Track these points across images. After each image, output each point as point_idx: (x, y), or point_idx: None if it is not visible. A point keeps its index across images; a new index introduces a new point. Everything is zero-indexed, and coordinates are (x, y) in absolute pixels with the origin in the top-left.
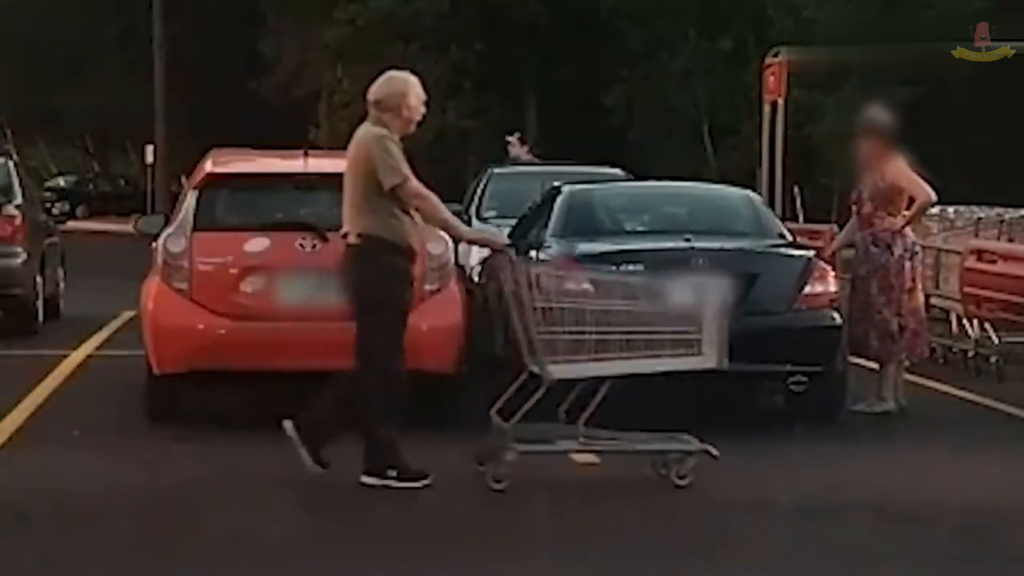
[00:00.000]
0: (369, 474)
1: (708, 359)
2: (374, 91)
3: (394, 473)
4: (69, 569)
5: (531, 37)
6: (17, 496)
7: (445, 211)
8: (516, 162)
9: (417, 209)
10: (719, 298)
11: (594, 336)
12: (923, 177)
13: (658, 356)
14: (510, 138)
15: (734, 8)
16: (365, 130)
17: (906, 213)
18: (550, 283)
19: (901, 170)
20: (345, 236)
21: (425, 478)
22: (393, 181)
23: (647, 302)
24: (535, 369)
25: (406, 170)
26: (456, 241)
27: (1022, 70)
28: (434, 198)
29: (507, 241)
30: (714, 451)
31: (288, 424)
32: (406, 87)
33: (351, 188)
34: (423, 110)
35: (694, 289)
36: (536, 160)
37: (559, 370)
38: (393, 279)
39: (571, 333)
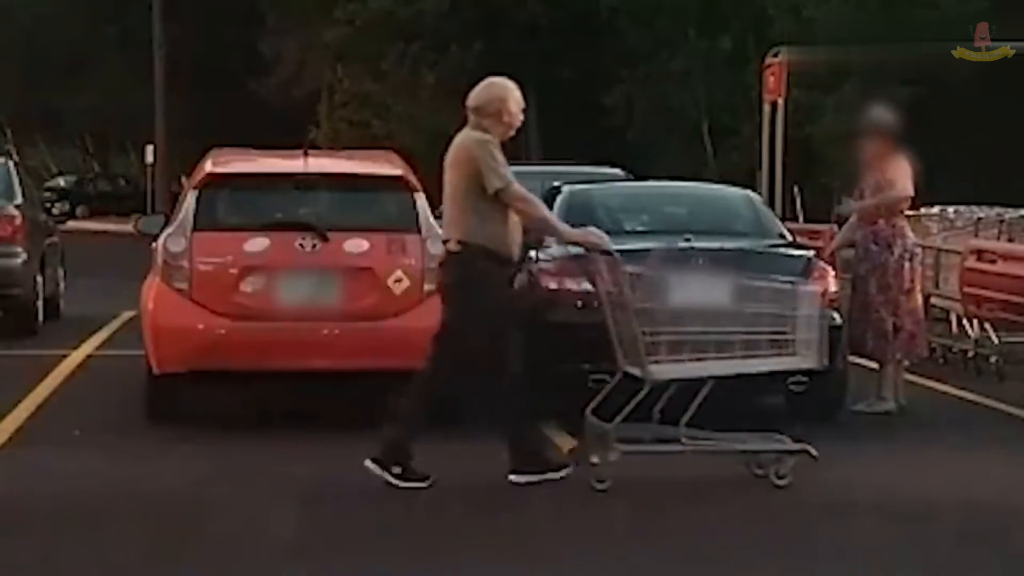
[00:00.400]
0: (517, 472)
1: (805, 359)
2: (474, 97)
3: (539, 467)
4: (69, 569)
5: (531, 37)
6: (17, 496)
7: (547, 212)
8: None
9: (520, 212)
10: (813, 301)
11: (694, 337)
12: (923, 177)
13: (756, 356)
14: None
15: (734, 8)
16: (466, 134)
17: (909, 213)
18: (649, 283)
19: (902, 170)
20: (446, 242)
21: (564, 468)
22: (497, 185)
23: (743, 303)
24: (634, 371)
25: (508, 174)
26: (561, 243)
27: (1022, 70)
28: (536, 200)
29: (611, 244)
30: (813, 451)
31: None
32: (505, 92)
33: (453, 192)
34: (522, 117)
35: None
36: None
37: (660, 371)
38: (489, 286)
39: (672, 334)
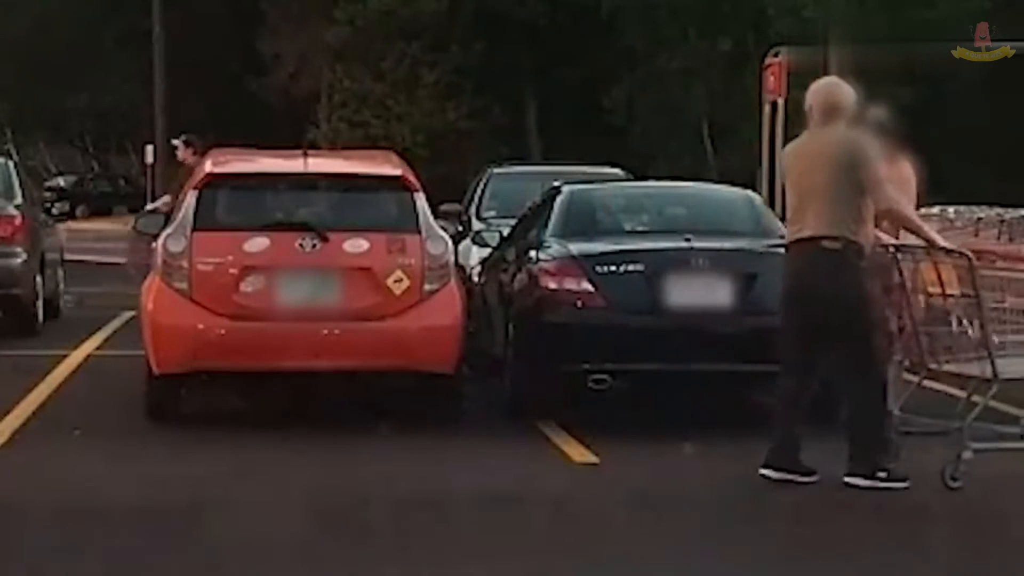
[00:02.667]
0: (855, 475)
1: None
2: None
3: (883, 474)
4: (69, 569)
5: (531, 37)
6: (17, 496)
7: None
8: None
9: (888, 212)
10: None
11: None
12: (923, 177)
13: None
14: (176, 141)
15: (734, 8)
16: (844, 132)
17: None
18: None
19: (904, 180)
20: (816, 239)
21: (905, 480)
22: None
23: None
24: (972, 370)
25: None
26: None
27: (1022, 70)
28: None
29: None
30: None
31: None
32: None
33: (834, 190)
34: None
35: None
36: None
37: (1010, 368)
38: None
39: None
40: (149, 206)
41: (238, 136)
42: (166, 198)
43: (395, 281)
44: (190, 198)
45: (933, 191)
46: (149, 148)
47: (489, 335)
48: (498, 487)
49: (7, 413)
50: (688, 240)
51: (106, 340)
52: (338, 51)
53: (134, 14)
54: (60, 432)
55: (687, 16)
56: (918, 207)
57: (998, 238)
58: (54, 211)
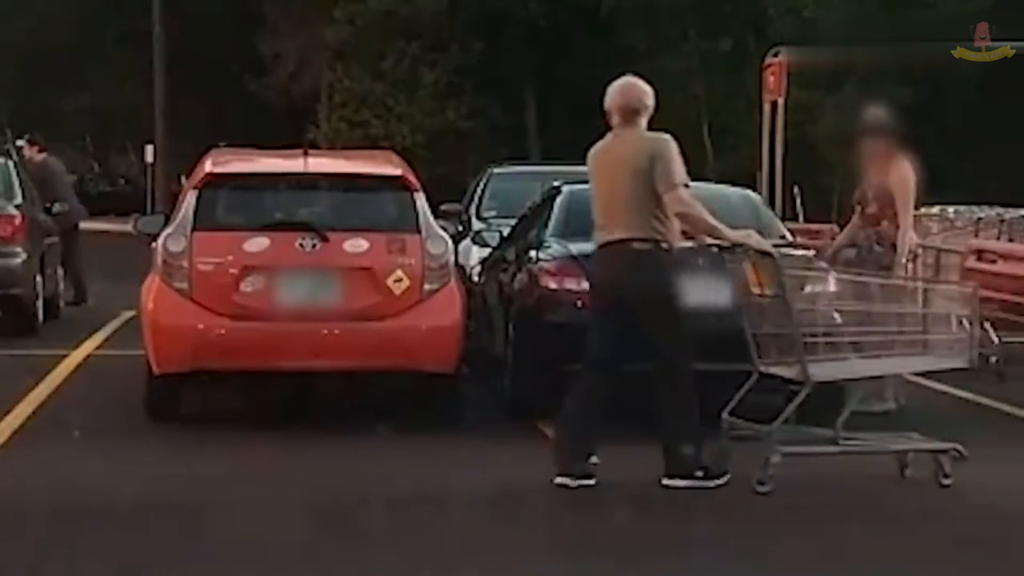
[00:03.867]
0: (672, 475)
1: (956, 359)
2: (637, 98)
3: (701, 472)
4: (69, 569)
5: (531, 37)
6: (17, 496)
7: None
8: (32, 165)
9: (681, 216)
10: (970, 302)
11: (851, 338)
12: (924, 177)
13: (911, 356)
14: (20, 142)
15: (734, 8)
16: (642, 134)
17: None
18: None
19: (904, 179)
20: (625, 241)
21: (723, 475)
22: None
23: (893, 303)
24: (780, 371)
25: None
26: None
27: (1022, 70)
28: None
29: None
30: (963, 450)
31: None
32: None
33: (636, 192)
34: None
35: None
36: (51, 161)
37: (821, 371)
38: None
39: (829, 334)
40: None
41: (238, 136)
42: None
43: (395, 281)
44: (190, 198)
45: (933, 191)
46: (149, 148)
47: (489, 335)
48: (498, 487)
49: (7, 413)
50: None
51: (106, 340)
52: (338, 51)
53: (134, 14)
54: (60, 432)
55: (687, 16)
56: (918, 207)
57: (998, 238)
58: (54, 211)
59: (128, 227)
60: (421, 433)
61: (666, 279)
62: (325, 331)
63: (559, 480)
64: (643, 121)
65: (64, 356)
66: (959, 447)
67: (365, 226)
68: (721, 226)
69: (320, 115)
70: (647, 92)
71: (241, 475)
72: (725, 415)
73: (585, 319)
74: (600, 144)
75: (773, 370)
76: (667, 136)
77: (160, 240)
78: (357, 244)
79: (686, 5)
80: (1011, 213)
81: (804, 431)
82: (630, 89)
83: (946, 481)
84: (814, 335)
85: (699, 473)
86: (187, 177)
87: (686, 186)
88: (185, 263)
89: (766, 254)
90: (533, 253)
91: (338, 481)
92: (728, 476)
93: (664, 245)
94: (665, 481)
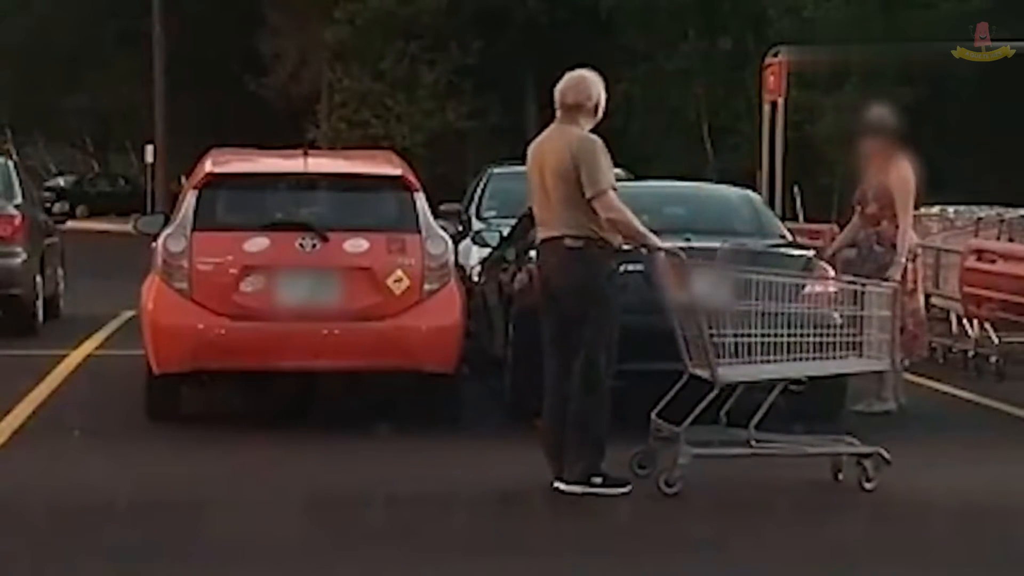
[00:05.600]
0: (569, 481)
1: (875, 361)
2: (582, 93)
3: (599, 479)
4: (69, 568)
5: (531, 36)
6: (17, 496)
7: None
8: None
9: (608, 221)
10: (885, 303)
11: (763, 339)
12: (923, 177)
13: (827, 359)
14: None
15: (734, 8)
16: (576, 134)
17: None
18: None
19: (904, 179)
20: (561, 238)
21: (625, 485)
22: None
23: (811, 305)
24: (702, 373)
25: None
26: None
27: (1022, 70)
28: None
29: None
30: (886, 454)
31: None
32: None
33: (568, 190)
34: None
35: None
36: None
37: (730, 373)
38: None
39: (740, 336)
40: None
41: (238, 136)
42: None
43: (395, 281)
44: (190, 198)
45: (933, 191)
46: (149, 148)
47: (489, 335)
48: (498, 487)
49: (7, 413)
50: (688, 240)
51: (106, 340)
52: (338, 51)
53: (134, 14)
54: (60, 432)
55: (687, 16)
56: (917, 207)
57: (998, 238)
58: (54, 211)
59: (128, 227)
60: (421, 433)
61: (596, 278)
62: (325, 331)
63: (555, 483)
64: (583, 118)
65: (64, 356)
66: (883, 451)
67: (365, 226)
68: (648, 232)
69: (320, 115)
70: (593, 88)
71: (241, 475)
72: (653, 416)
73: None
74: (538, 138)
75: (697, 372)
76: (593, 137)
77: (160, 240)
78: (357, 244)
79: (686, 5)
80: (1011, 213)
81: (719, 431)
82: (576, 83)
83: (868, 486)
84: (723, 336)
85: (597, 480)
86: (187, 177)
87: (614, 189)
88: (185, 263)
89: (675, 255)
90: (533, 253)
91: (338, 481)
92: (630, 486)
93: (599, 243)
94: (560, 486)
